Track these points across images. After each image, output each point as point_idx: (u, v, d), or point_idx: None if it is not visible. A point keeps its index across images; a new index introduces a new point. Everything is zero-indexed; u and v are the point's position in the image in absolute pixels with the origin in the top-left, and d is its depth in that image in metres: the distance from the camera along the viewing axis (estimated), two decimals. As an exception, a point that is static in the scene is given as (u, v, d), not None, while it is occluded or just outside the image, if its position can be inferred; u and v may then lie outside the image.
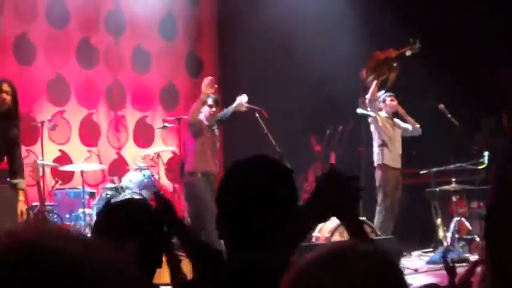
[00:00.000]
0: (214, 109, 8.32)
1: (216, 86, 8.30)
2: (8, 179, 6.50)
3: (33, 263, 0.92)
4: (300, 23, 10.49)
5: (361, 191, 2.15)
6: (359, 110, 9.53)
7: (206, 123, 8.27)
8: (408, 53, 9.27)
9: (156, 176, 9.66)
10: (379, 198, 9.30)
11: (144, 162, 9.94)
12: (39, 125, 8.99)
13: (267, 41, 10.80)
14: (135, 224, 2.58)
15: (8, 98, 6.52)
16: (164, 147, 10.78)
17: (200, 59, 12.36)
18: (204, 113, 8.25)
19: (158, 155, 10.07)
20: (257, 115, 8.33)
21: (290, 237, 2.15)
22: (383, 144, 9.37)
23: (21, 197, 6.41)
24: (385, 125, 9.42)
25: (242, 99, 8.48)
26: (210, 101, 8.26)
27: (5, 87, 6.55)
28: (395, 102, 9.62)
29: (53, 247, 0.95)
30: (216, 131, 8.50)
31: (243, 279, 2.05)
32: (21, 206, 6.38)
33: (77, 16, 10.81)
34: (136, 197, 8.20)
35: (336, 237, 7.91)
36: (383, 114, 9.54)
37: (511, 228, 2.04)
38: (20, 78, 10.11)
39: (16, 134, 6.57)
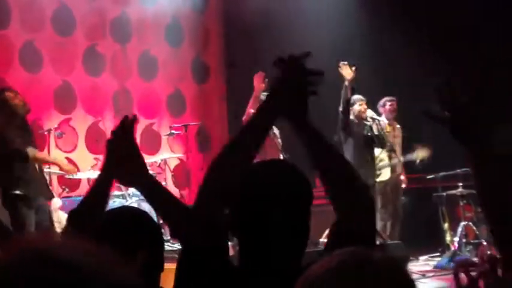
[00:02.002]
0: None
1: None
2: None
3: (29, 269, 0.95)
4: (308, 28, 10.51)
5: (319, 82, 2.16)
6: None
7: None
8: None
9: (164, 184, 9.66)
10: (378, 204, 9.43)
11: (151, 170, 9.94)
12: (46, 133, 9.02)
13: (274, 46, 10.79)
14: (137, 231, 2.56)
15: (21, 101, 7.05)
16: (171, 154, 10.78)
17: (207, 65, 12.37)
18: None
19: (165, 162, 10.07)
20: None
21: (300, 243, 2.16)
22: None
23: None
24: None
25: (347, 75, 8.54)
26: (264, 97, 8.10)
27: (15, 92, 7.13)
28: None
29: (52, 255, 0.97)
30: (275, 128, 8.32)
31: (254, 285, 2.06)
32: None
33: (83, 24, 10.84)
34: (143, 204, 8.19)
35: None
36: (382, 119, 9.58)
37: None
38: (27, 86, 10.15)
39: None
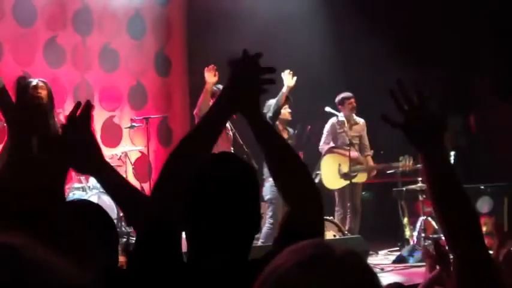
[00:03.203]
0: None
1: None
2: None
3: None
4: (271, 20, 10.51)
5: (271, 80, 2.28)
6: (327, 109, 9.62)
7: None
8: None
9: (124, 176, 9.60)
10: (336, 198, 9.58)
11: (112, 162, 9.87)
12: (5, 124, 8.91)
13: (238, 39, 10.79)
14: (89, 228, 2.50)
15: (43, 92, 7.23)
16: (132, 147, 10.73)
17: (169, 58, 12.32)
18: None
19: (126, 155, 10.02)
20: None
21: (248, 235, 2.19)
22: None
23: None
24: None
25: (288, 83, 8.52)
26: (215, 92, 8.04)
27: (40, 83, 7.26)
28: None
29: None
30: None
31: (203, 281, 2.07)
32: None
33: (44, 14, 10.73)
34: (103, 196, 8.14)
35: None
36: (341, 117, 9.67)
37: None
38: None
39: (53, 124, 7.30)
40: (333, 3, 11.09)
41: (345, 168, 9.55)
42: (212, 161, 2.25)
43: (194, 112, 8.46)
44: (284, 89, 8.69)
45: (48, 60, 10.79)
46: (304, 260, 1.27)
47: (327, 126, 9.83)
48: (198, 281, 2.07)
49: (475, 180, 9.62)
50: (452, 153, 9.70)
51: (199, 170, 2.19)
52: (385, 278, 7.15)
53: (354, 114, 9.79)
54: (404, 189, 9.95)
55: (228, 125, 8.19)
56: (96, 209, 2.65)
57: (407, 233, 9.86)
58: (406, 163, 9.54)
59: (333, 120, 9.75)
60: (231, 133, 8.37)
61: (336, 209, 9.63)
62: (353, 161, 9.51)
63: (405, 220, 9.99)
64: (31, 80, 7.45)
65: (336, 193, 9.63)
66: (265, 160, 2.35)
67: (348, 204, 9.58)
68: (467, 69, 11.13)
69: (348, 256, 1.29)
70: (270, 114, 8.66)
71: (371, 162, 9.87)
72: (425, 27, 10.99)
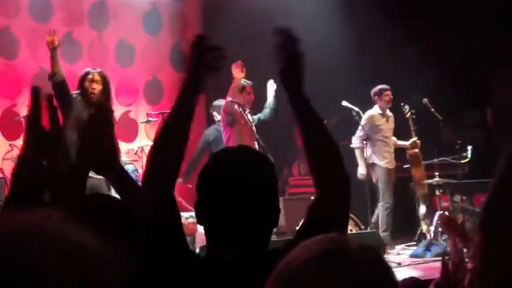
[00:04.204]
0: (252, 95, 8.28)
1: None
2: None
3: None
4: (288, 15, 10.48)
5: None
6: (344, 103, 9.58)
7: (239, 110, 8.14)
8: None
9: (140, 171, 9.63)
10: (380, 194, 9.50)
11: (128, 157, 9.90)
12: (22, 119, 8.94)
13: (253, 34, 10.78)
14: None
15: (98, 87, 7.04)
16: (148, 142, 10.73)
17: (185, 53, 12.30)
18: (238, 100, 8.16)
19: (142, 150, 10.03)
20: (240, 109, 8.30)
21: (267, 229, 2.18)
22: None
23: None
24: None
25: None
26: (244, 86, 8.13)
27: (96, 77, 7.06)
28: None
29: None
30: (250, 117, 8.34)
31: (223, 272, 2.06)
32: None
33: (60, 10, 10.75)
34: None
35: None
36: (376, 109, 9.59)
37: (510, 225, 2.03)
38: (4, 73, 10.08)
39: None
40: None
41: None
42: (229, 155, 2.26)
43: (221, 108, 8.45)
44: (273, 93, 8.63)
45: (64, 56, 10.80)
46: (318, 254, 1.27)
47: (364, 120, 9.65)
48: (217, 273, 2.07)
49: (493, 175, 9.55)
50: (469, 147, 9.65)
51: (217, 163, 2.20)
52: (402, 273, 7.12)
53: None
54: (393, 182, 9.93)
55: (249, 119, 8.20)
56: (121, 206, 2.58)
57: (424, 227, 9.81)
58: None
59: (371, 112, 9.63)
60: (254, 128, 8.35)
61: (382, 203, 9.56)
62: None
63: (421, 214, 9.95)
64: (88, 70, 7.29)
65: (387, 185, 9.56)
66: (302, 139, 2.32)
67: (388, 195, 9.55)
68: (485, 61, 11.05)
69: (363, 251, 1.29)
70: (266, 116, 8.64)
71: None
72: (442, 18, 10.92)
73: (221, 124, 8.46)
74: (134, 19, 11.53)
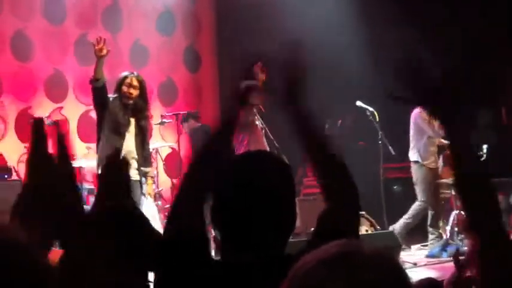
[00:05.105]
0: (262, 96, 8.28)
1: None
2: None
3: None
4: (299, 17, 10.49)
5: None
6: (358, 103, 9.54)
7: (255, 112, 8.14)
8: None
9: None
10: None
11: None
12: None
13: (266, 34, 10.78)
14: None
15: (135, 92, 7.05)
16: (163, 143, 10.76)
17: (198, 54, 12.35)
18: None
19: (157, 151, 10.05)
20: (255, 109, 8.29)
21: (284, 233, 2.17)
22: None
23: (150, 181, 7.21)
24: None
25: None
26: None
27: (134, 81, 7.07)
28: None
29: None
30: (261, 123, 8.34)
31: (238, 276, 2.06)
32: (149, 189, 7.17)
33: (74, 12, 10.80)
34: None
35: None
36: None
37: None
38: (18, 75, 10.12)
39: (145, 125, 7.19)
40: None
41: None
42: (247, 159, 2.26)
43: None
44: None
45: (79, 58, 10.85)
46: (329, 259, 1.27)
47: (416, 118, 9.42)
48: (231, 277, 2.06)
49: (509, 173, 9.50)
50: (484, 146, 9.59)
51: (236, 168, 2.20)
52: (418, 273, 7.10)
53: None
54: (437, 182, 9.86)
55: (260, 122, 8.17)
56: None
57: (440, 227, 9.76)
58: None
59: (417, 110, 9.51)
60: (267, 129, 8.32)
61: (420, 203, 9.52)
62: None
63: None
64: (126, 74, 7.25)
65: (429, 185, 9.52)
66: (306, 155, 2.32)
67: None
68: (497, 58, 11.00)
69: (376, 255, 1.28)
70: None
71: None
72: (453, 16, 10.87)
73: None
74: (148, 20, 11.56)
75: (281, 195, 2.14)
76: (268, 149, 7.98)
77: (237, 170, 2.18)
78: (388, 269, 1.28)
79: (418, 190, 9.45)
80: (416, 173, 9.47)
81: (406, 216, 9.40)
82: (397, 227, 9.29)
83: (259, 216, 2.08)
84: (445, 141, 9.31)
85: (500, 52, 10.81)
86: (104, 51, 7.07)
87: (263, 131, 8.17)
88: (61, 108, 10.58)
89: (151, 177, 7.30)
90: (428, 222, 9.53)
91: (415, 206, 9.44)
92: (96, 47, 7.06)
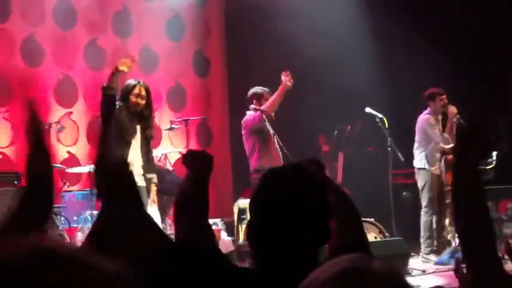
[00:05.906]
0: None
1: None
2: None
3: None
4: (307, 22, 10.48)
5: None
6: (367, 110, 9.53)
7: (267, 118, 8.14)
8: None
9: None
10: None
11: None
12: (47, 127, 8.99)
13: (275, 39, 10.78)
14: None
15: (142, 102, 7.15)
16: (172, 149, 10.76)
17: (208, 59, 12.36)
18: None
19: (166, 157, 10.05)
20: (264, 117, 8.28)
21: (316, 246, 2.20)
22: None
23: (154, 187, 7.20)
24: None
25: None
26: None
27: (142, 91, 7.17)
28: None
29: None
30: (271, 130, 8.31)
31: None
32: (154, 196, 7.17)
33: (84, 18, 10.83)
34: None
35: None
36: (429, 113, 9.46)
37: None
38: (28, 80, 10.14)
39: (149, 133, 7.33)
40: (373, 3, 11.02)
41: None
42: (282, 175, 2.27)
43: (251, 116, 8.34)
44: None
45: (88, 63, 10.87)
46: (338, 273, 1.28)
47: (424, 124, 9.44)
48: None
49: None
50: (494, 153, 9.55)
51: (271, 184, 2.22)
52: (427, 281, 7.08)
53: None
54: (445, 189, 9.83)
55: (271, 128, 8.15)
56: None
57: (449, 234, 9.73)
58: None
59: (424, 117, 9.49)
60: (276, 135, 8.30)
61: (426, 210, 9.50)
62: None
63: (447, 221, 9.86)
64: (133, 83, 7.26)
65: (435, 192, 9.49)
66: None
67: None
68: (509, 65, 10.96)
69: (384, 270, 1.28)
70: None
71: None
72: (465, 23, 10.85)
73: (243, 131, 8.42)
74: (157, 26, 11.58)
75: (315, 211, 2.16)
76: (280, 154, 8.02)
77: (272, 186, 2.20)
78: (394, 285, 1.28)
79: (423, 196, 9.44)
80: (422, 179, 9.46)
81: (422, 235, 9.39)
82: (424, 251, 9.31)
83: (293, 231, 2.12)
84: (446, 147, 9.31)
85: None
86: (128, 69, 7.11)
87: (274, 137, 8.16)
88: (71, 113, 10.59)
89: (155, 183, 7.26)
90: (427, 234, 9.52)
91: (422, 218, 9.43)
92: (125, 64, 7.02)
